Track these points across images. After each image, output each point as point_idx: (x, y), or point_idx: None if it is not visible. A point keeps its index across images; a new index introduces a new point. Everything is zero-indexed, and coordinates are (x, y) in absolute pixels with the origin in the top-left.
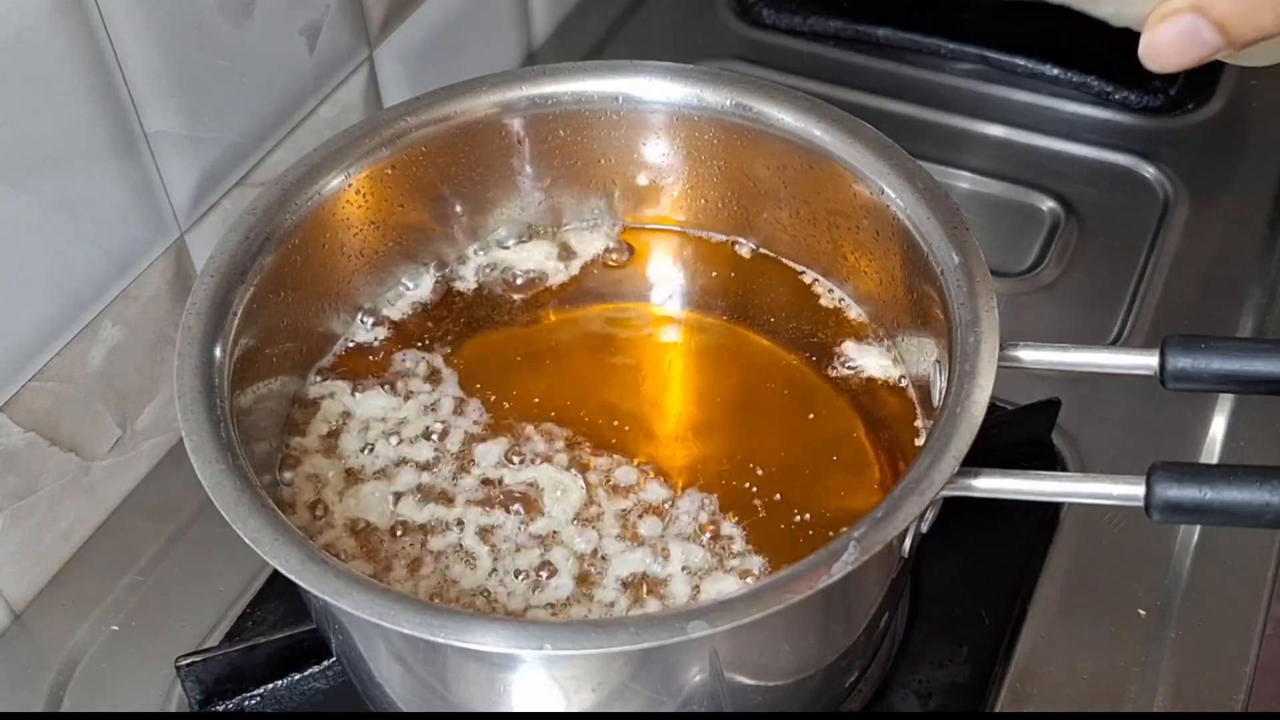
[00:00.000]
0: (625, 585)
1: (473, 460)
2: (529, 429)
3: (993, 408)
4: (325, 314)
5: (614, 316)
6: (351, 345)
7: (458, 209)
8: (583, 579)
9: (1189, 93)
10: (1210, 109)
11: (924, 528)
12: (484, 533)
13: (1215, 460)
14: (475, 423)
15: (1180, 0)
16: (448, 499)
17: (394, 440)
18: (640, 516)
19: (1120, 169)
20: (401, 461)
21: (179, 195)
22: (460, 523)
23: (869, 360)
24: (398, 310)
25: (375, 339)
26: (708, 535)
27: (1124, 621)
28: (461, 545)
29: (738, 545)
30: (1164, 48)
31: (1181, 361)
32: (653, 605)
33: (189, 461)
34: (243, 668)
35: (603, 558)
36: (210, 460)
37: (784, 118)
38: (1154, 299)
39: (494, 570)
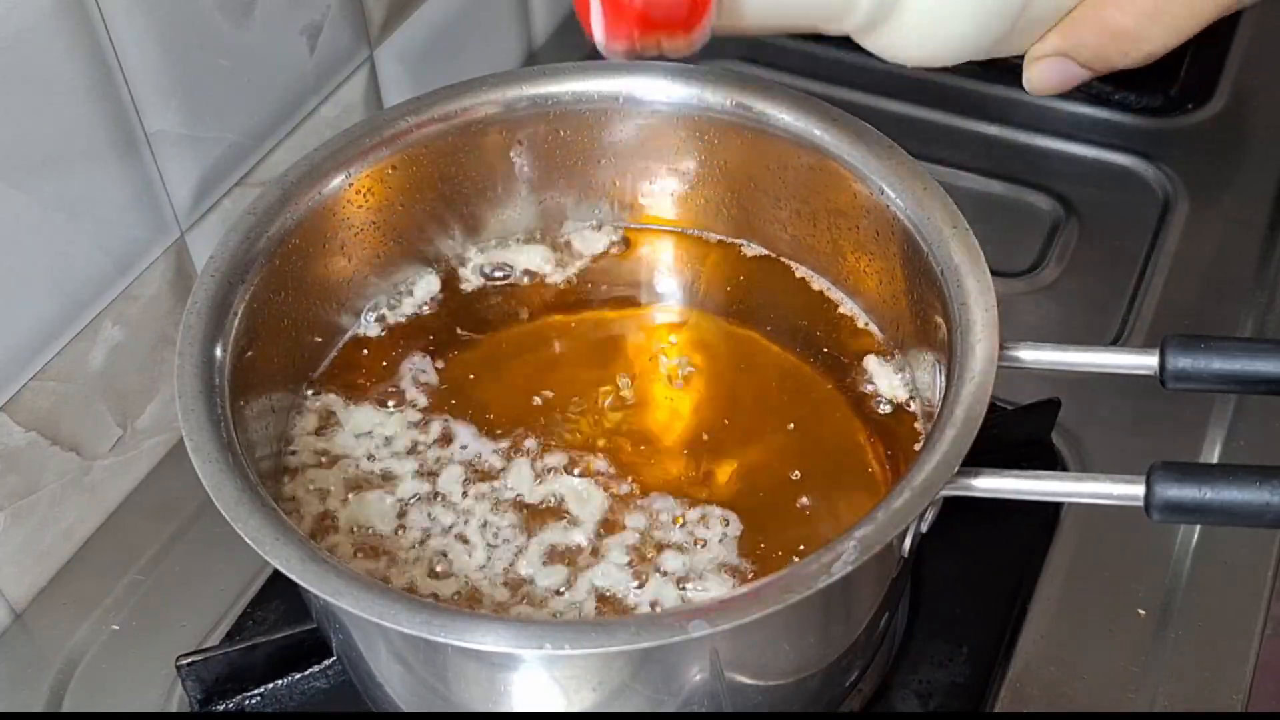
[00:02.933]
0: (603, 597)
1: (475, 472)
2: (530, 439)
3: (993, 408)
4: (325, 314)
5: (613, 317)
6: (351, 345)
7: (458, 209)
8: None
9: (1189, 93)
10: (1210, 109)
11: (924, 528)
12: (485, 529)
13: (1215, 460)
14: (474, 433)
15: (1049, 46)
16: (446, 508)
17: (392, 449)
18: (638, 518)
19: (1120, 169)
20: (399, 473)
21: (179, 195)
22: (463, 528)
23: (869, 360)
24: (398, 311)
25: (375, 339)
26: (705, 536)
27: (1124, 621)
28: (464, 537)
29: (736, 543)
30: (1043, 82)
31: (1181, 361)
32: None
33: (189, 461)
34: (243, 667)
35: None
36: (210, 460)
37: (784, 118)
38: (1154, 299)
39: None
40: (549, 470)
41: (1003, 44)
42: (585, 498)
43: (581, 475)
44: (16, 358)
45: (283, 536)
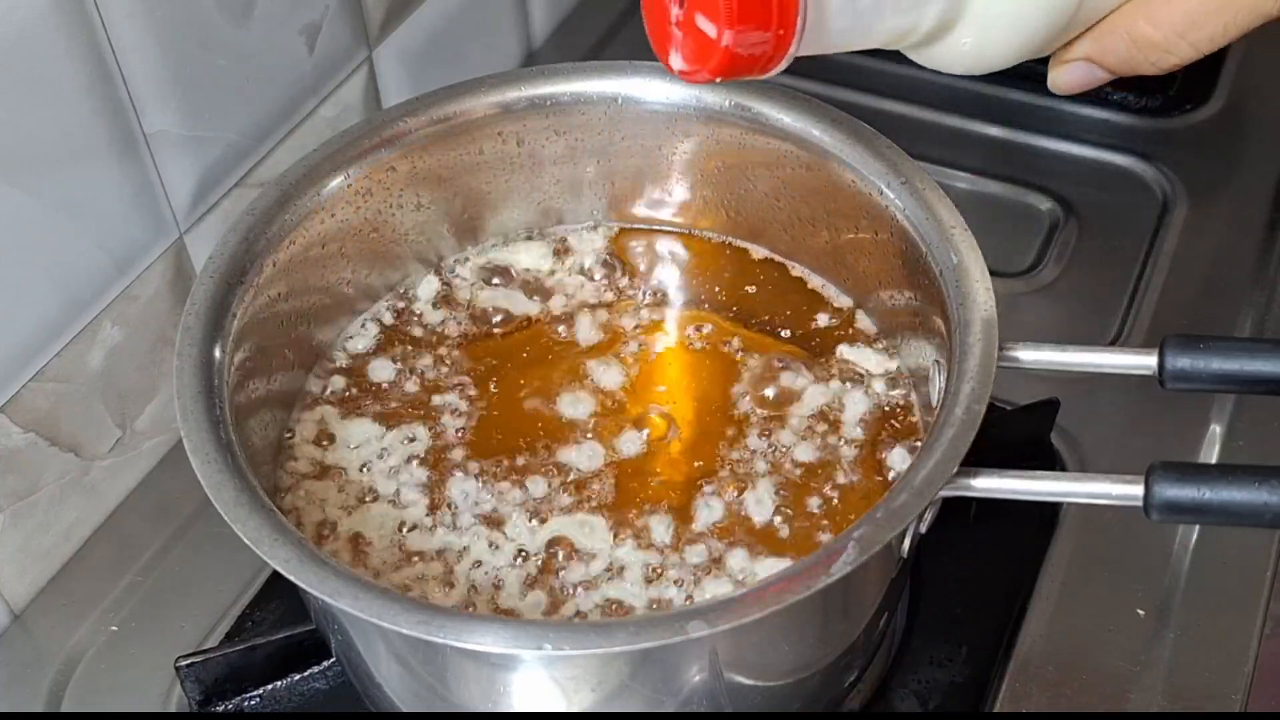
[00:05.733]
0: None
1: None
2: (526, 455)
3: (992, 408)
4: (324, 315)
5: (612, 317)
6: (350, 346)
7: (457, 210)
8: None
9: (1188, 93)
10: (1210, 109)
11: (923, 528)
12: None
13: (1214, 460)
14: (471, 440)
15: (1078, 51)
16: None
17: (389, 460)
18: (642, 526)
19: (1119, 169)
20: (396, 486)
21: (179, 195)
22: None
23: (868, 360)
24: (397, 312)
25: (374, 339)
26: (706, 539)
27: (1123, 621)
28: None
29: (737, 545)
30: (1068, 84)
31: (1181, 361)
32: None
33: (189, 462)
34: (242, 668)
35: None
36: (210, 460)
37: (783, 118)
38: (1153, 299)
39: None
40: (565, 520)
41: (1044, 49)
42: (590, 528)
43: (581, 498)
44: (16, 358)
45: (281, 537)
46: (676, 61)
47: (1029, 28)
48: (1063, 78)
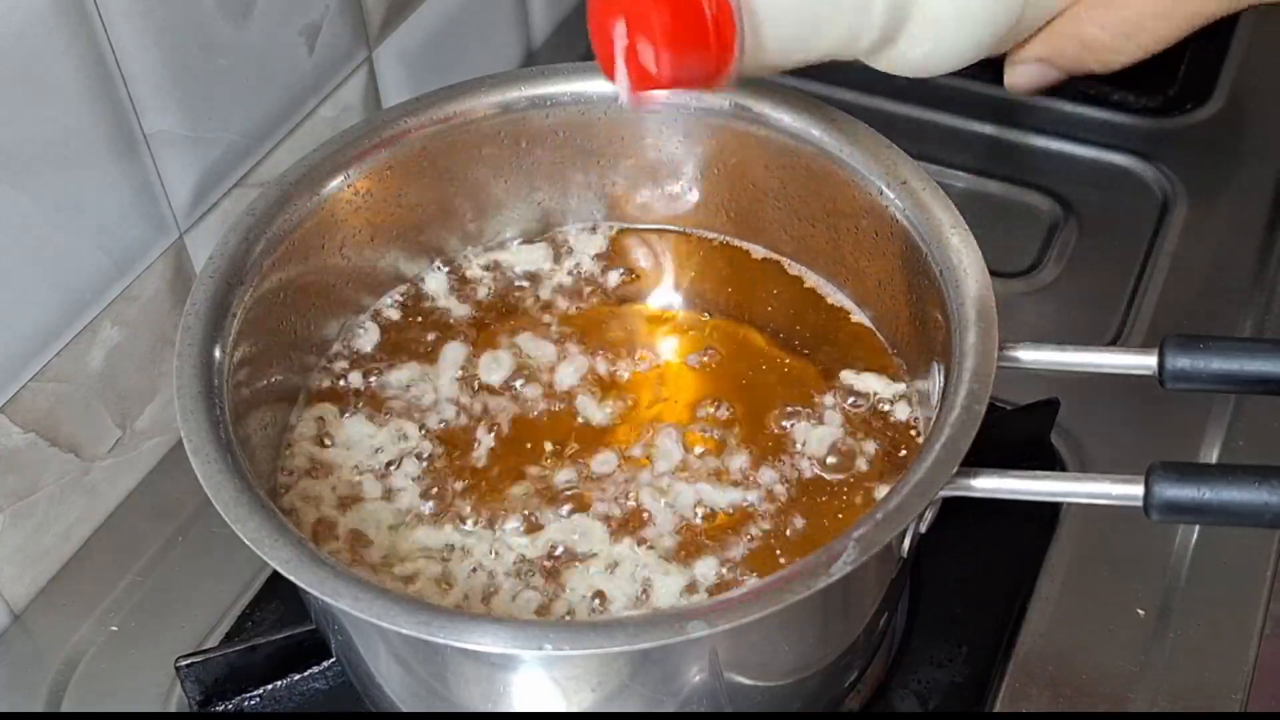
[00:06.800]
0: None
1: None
2: (525, 455)
3: (992, 408)
4: (324, 315)
5: (612, 318)
6: (350, 347)
7: (457, 210)
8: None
9: (1187, 93)
10: (1209, 109)
11: (923, 528)
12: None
13: (1214, 460)
14: (469, 440)
15: (1030, 53)
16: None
17: (387, 460)
18: (637, 527)
19: (1119, 169)
20: (396, 486)
21: (179, 195)
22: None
23: (868, 360)
24: (396, 312)
25: (374, 340)
26: (704, 538)
27: (1124, 621)
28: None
29: (736, 545)
30: (1024, 83)
31: (1181, 361)
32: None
33: (189, 462)
34: (242, 668)
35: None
36: (210, 461)
37: (783, 118)
38: (1153, 299)
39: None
40: (562, 525)
41: (994, 49)
42: (586, 530)
43: (580, 502)
44: (16, 358)
45: (281, 537)
46: (621, 90)
47: (975, 30)
48: (1018, 78)
